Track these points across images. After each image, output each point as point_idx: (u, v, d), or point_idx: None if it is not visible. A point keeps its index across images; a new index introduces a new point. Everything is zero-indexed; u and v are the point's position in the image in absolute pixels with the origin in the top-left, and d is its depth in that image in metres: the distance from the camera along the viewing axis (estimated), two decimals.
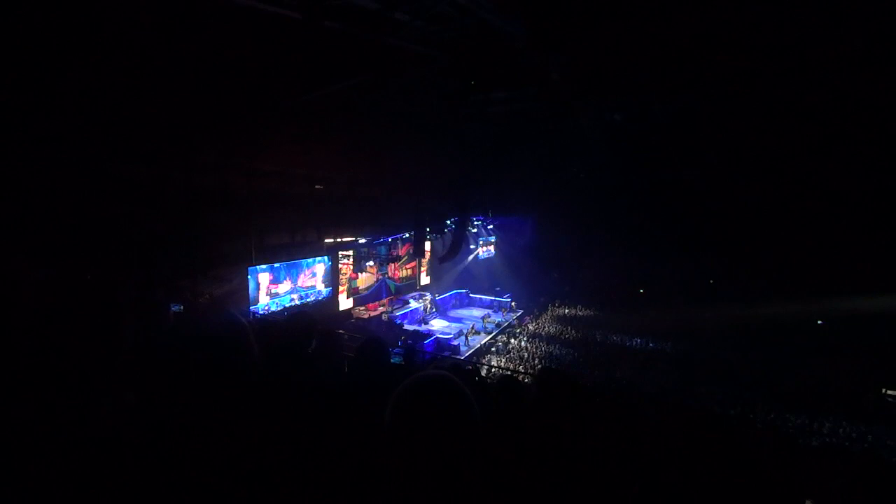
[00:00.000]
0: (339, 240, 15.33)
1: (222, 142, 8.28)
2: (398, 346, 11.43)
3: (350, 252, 15.95)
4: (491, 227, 24.77)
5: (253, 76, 5.36)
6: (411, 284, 20.39)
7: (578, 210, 20.02)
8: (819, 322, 18.45)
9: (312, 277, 14.27)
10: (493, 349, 17.35)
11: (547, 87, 5.70)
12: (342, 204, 13.81)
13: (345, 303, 15.93)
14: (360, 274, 16.65)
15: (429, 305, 20.29)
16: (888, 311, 16.12)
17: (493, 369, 13.45)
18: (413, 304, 19.66)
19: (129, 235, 7.81)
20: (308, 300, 14.07)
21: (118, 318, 1.45)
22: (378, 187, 13.22)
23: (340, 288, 15.59)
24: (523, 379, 8.57)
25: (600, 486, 1.48)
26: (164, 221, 8.41)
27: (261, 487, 0.94)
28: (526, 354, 16.63)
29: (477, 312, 21.19)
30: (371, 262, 17.20)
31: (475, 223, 22.44)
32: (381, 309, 17.81)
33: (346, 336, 9.20)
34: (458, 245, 18.12)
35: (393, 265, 18.71)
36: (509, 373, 12.09)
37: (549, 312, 22.55)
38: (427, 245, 19.46)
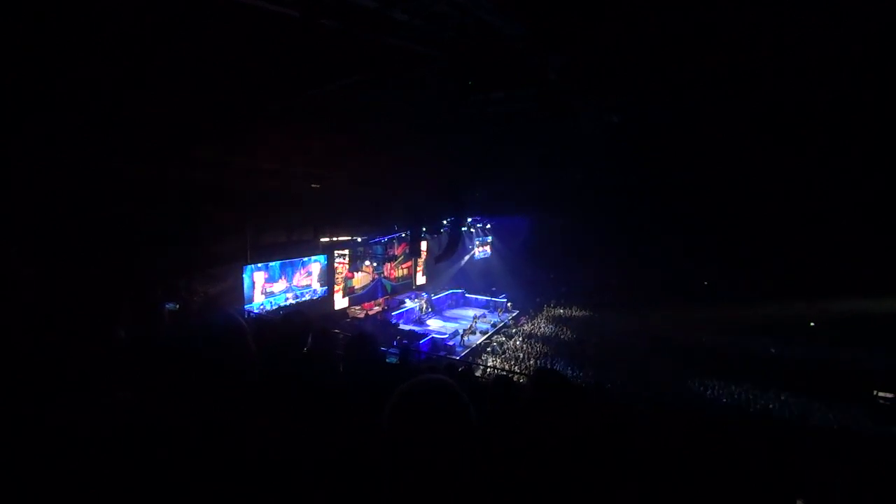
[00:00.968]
0: (335, 239, 15.30)
1: (218, 140, 8.25)
2: (394, 346, 11.42)
3: (346, 251, 15.93)
4: (487, 227, 24.84)
5: (249, 75, 5.33)
6: (407, 284, 20.38)
7: (575, 210, 20.07)
8: (811, 324, 18.60)
9: (308, 276, 14.24)
10: (488, 349, 17.37)
11: (545, 87, 5.71)
12: (339, 203, 13.78)
13: (340, 302, 15.90)
14: (356, 273, 16.63)
15: (425, 305, 20.29)
16: (881, 312, 16.28)
17: (489, 369, 13.46)
18: (409, 304, 19.66)
19: (125, 233, 7.76)
20: (303, 299, 14.04)
21: (113, 316, 1.44)
22: (375, 186, 13.20)
23: (336, 287, 15.57)
24: (518, 379, 8.58)
25: (596, 486, 1.49)
26: (159, 219, 8.36)
27: (258, 487, 0.94)
28: (521, 355, 16.65)
29: (473, 312, 21.22)
30: (367, 262, 17.18)
31: (472, 224, 22.49)
32: (376, 308, 17.81)
33: (341, 335, 9.20)
34: (454, 245, 18.13)
35: (389, 265, 18.70)
36: (504, 373, 12.10)
37: (544, 313, 22.60)
38: (423, 245, 19.47)
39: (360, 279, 17.00)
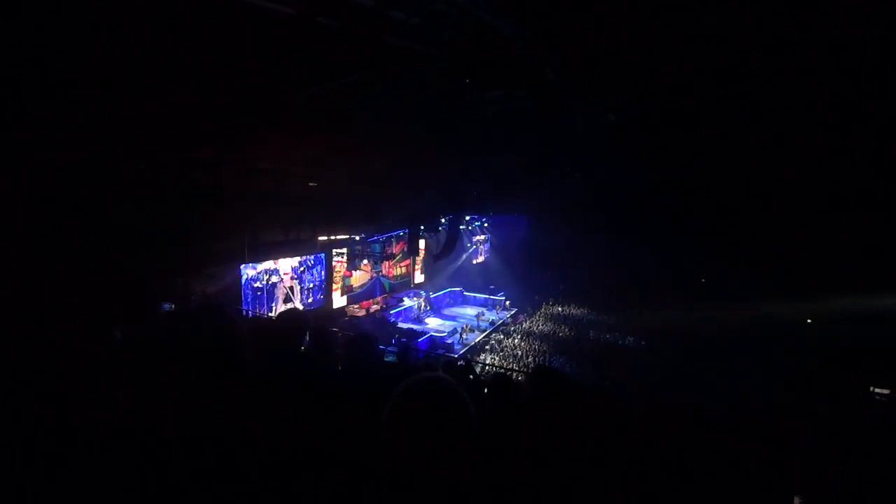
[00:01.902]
0: (333, 237, 15.27)
1: (216, 139, 8.21)
2: (392, 345, 11.43)
3: (344, 250, 15.92)
4: (486, 224, 24.86)
5: (247, 74, 5.31)
6: (406, 282, 20.37)
7: (573, 209, 20.09)
8: (809, 321, 18.67)
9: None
10: (486, 347, 17.39)
11: (543, 86, 5.71)
12: (336, 201, 13.76)
13: (339, 300, 15.89)
14: (354, 272, 16.61)
15: (423, 304, 20.29)
16: (877, 310, 16.35)
17: (487, 367, 13.48)
18: (407, 302, 19.66)
19: (122, 233, 7.73)
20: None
21: (110, 316, 1.43)
22: (372, 185, 13.18)
23: (334, 286, 15.55)
24: (517, 377, 8.59)
25: (595, 484, 1.49)
26: (157, 219, 8.33)
27: (256, 488, 0.94)
28: (520, 352, 16.68)
29: (471, 311, 21.23)
30: (365, 260, 17.16)
31: (470, 222, 22.50)
32: (375, 307, 17.80)
33: (339, 334, 9.20)
34: (452, 243, 18.12)
35: (387, 263, 18.69)
36: (503, 371, 12.12)
37: (543, 311, 22.63)
38: (421, 243, 19.46)
39: (359, 278, 16.98)
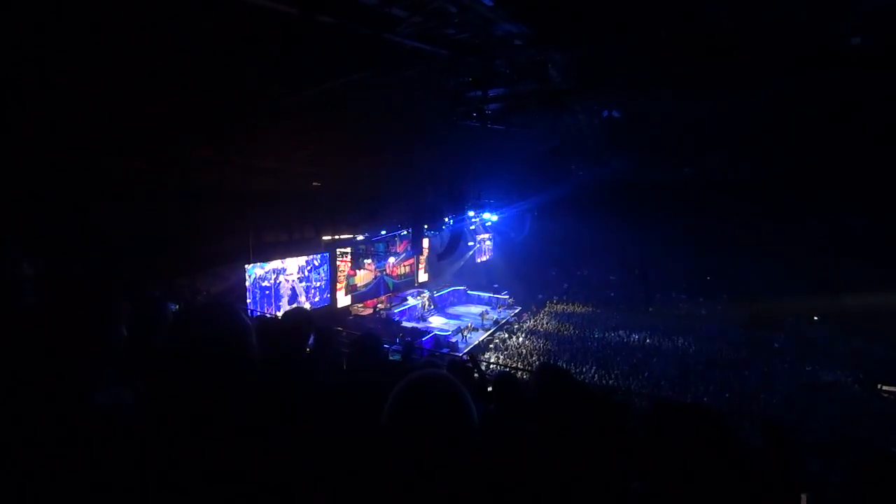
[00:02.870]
0: (337, 237, 15.31)
1: (219, 139, 8.24)
2: (396, 343, 11.44)
3: (348, 249, 15.96)
4: (489, 223, 24.82)
5: (249, 72, 5.32)
6: (409, 281, 20.40)
7: (577, 206, 20.04)
8: (815, 318, 18.54)
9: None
10: (491, 346, 17.39)
11: (546, 84, 5.68)
12: (340, 201, 13.78)
13: (343, 300, 15.94)
14: (358, 271, 16.65)
15: (427, 302, 20.31)
16: (884, 307, 16.21)
17: (491, 366, 13.47)
18: (411, 301, 19.69)
19: (127, 232, 7.78)
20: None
21: (113, 315, 1.44)
22: (376, 184, 13.19)
23: (339, 285, 15.60)
24: (521, 375, 8.59)
25: (600, 483, 1.48)
26: (160, 218, 8.38)
27: (259, 488, 0.94)
28: (524, 351, 16.66)
29: (475, 309, 21.22)
30: (369, 259, 17.20)
31: (474, 220, 22.47)
32: (380, 307, 17.84)
33: (343, 333, 9.22)
34: (456, 242, 18.12)
35: (391, 262, 18.72)
36: (507, 369, 12.12)
37: (547, 309, 22.59)
38: (425, 242, 19.47)
39: (363, 277, 17.03)
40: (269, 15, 3.76)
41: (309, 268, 14.03)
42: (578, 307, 22.66)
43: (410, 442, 0.87)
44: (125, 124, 6.40)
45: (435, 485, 0.85)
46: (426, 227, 17.35)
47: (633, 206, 18.47)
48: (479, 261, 24.74)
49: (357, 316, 16.35)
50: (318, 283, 14.41)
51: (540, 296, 23.66)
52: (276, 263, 12.63)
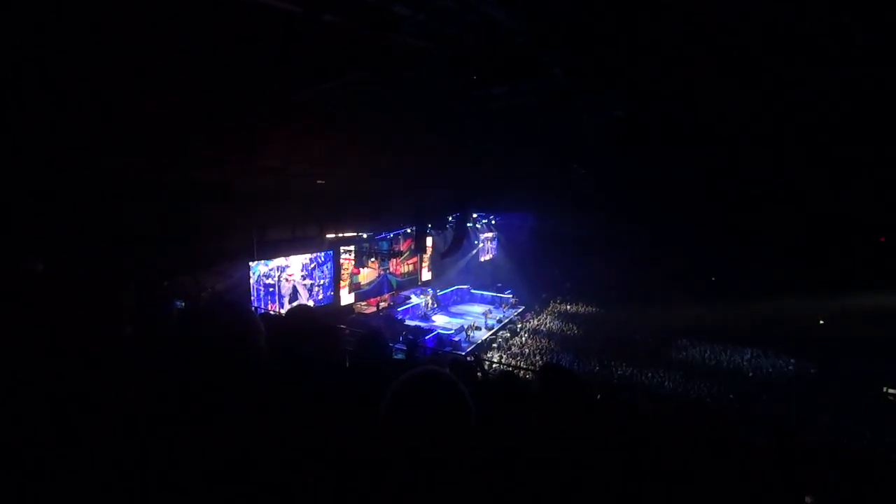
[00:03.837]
0: (340, 235, 15.34)
1: (222, 137, 8.27)
2: (400, 342, 11.46)
3: (352, 247, 15.99)
4: (493, 222, 24.82)
5: (252, 71, 5.33)
6: (413, 280, 20.42)
7: (581, 206, 19.97)
8: (821, 322, 18.40)
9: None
10: (494, 345, 17.39)
11: (549, 82, 5.66)
12: (344, 199, 13.80)
13: (347, 298, 15.98)
14: (361, 269, 16.68)
15: (430, 301, 20.32)
16: (889, 308, 16.08)
17: (494, 365, 13.48)
18: (415, 300, 19.71)
19: (131, 231, 7.82)
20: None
21: (120, 313, 1.45)
22: (379, 182, 13.20)
23: (342, 283, 15.64)
24: (524, 375, 8.59)
25: (604, 482, 1.48)
26: (164, 216, 8.42)
27: (261, 485, 0.94)
28: (527, 350, 16.65)
29: (478, 308, 21.21)
30: (373, 258, 17.23)
31: (477, 219, 22.48)
32: (382, 305, 17.87)
33: (347, 331, 9.23)
34: (459, 241, 18.12)
35: (394, 260, 18.74)
36: (510, 369, 12.11)
37: (550, 308, 22.56)
38: (429, 241, 19.48)
39: (366, 275, 17.06)
40: (272, 14, 3.76)
41: (313, 265, 14.08)
42: (582, 307, 22.61)
43: (405, 437, 0.87)
44: (128, 123, 6.43)
45: (429, 480, 0.85)
46: (430, 225, 17.38)
47: (639, 204, 18.39)
48: (482, 260, 24.73)
49: (360, 314, 16.39)
50: (322, 281, 14.46)
51: (543, 295, 23.63)
52: (280, 261, 12.68)
